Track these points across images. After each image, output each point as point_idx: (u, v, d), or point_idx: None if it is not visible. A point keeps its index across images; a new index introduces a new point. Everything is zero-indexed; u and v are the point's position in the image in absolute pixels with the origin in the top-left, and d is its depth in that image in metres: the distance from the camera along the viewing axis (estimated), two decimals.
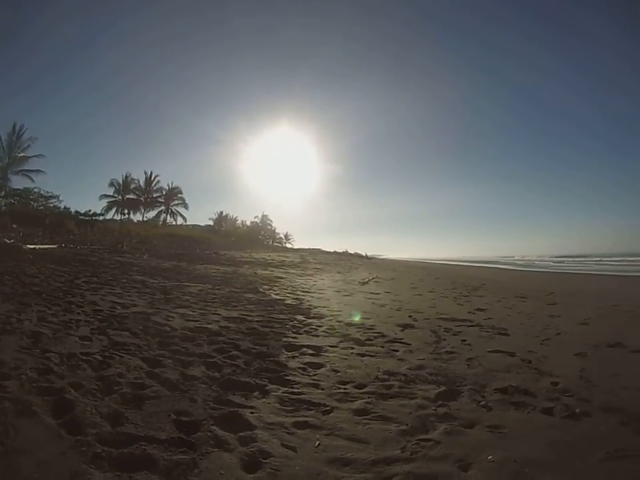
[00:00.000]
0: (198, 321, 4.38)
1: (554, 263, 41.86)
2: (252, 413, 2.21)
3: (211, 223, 48.79)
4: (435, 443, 2.00)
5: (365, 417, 2.27)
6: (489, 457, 1.89)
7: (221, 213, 50.84)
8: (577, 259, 45.78)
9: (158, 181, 40.90)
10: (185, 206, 42.10)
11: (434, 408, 2.41)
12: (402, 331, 4.60)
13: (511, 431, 2.17)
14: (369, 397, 2.53)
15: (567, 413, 2.43)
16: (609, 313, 6.65)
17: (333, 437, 2.03)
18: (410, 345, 3.94)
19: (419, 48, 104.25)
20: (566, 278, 18.32)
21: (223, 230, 46.24)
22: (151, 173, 40.63)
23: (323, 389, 2.64)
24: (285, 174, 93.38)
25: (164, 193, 41.19)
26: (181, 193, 42.05)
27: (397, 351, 3.69)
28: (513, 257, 74.69)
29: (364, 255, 37.56)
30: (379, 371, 3.05)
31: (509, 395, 2.69)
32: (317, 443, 1.96)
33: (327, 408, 2.34)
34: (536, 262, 44.99)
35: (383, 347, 3.80)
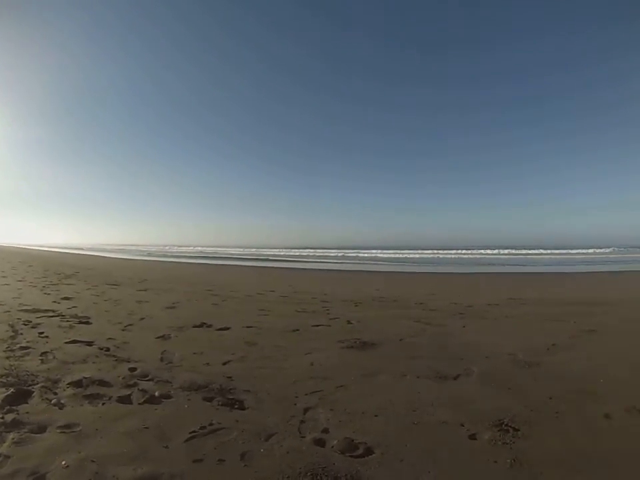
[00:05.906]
0: None
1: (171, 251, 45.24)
2: None
3: None
4: (4, 457, 1.74)
5: None
6: (63, 463, 1.70)
7: None
8: (186, 248, 48.08)
9: None
10: None
11: (1, 415, 2.11)
12: None
13: (86, 428, 2.01)
14: None
15: (144, 398, 2.37)
16: (198, 296, 6.98)
17: None
18: None
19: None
20: (170, 266, 19.56)
21: None
22: None
23: None
24: None
25: None
26: None
27: None
28: (137, 245, 77.77)
29: None
30: None
31: (83, 388, 2.52)
32: None
33: None
34: (155, 251, 47.35)
35: None
